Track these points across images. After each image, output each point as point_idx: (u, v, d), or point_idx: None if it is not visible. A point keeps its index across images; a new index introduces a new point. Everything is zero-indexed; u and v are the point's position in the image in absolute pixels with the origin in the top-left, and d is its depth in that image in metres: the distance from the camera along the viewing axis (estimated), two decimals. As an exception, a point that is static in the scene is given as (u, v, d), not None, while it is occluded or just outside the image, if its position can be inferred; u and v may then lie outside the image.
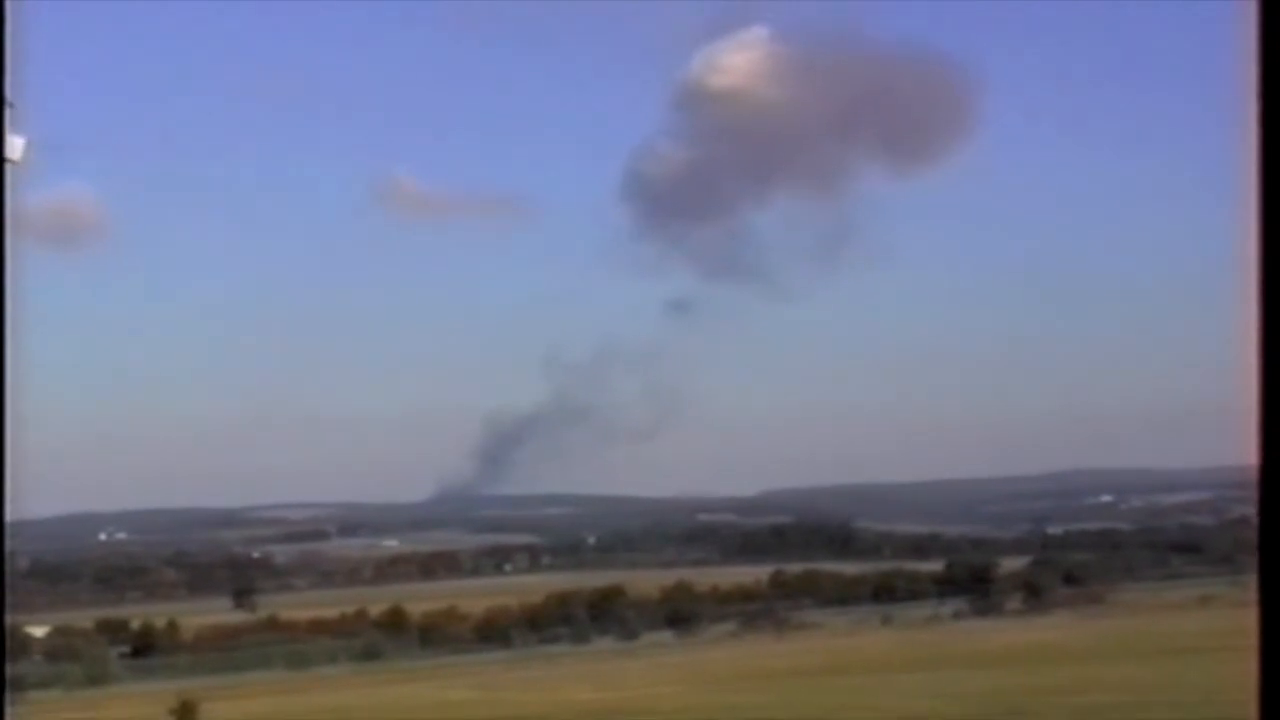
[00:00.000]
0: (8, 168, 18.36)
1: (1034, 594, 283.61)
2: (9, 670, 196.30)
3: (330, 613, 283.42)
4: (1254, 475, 10.61)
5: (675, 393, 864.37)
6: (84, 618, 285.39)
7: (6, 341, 16.45)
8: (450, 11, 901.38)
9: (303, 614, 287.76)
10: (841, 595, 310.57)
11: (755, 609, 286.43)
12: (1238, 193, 10.48)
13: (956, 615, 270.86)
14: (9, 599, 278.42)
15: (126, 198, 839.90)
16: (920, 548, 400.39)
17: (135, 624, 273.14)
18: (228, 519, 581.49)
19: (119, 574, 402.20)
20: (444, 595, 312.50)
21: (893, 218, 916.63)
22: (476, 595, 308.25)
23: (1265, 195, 10.29)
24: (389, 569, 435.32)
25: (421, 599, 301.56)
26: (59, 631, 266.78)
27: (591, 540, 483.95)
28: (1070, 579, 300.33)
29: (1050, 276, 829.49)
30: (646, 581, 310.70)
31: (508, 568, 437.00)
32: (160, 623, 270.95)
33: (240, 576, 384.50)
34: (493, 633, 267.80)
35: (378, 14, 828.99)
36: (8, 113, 18.15)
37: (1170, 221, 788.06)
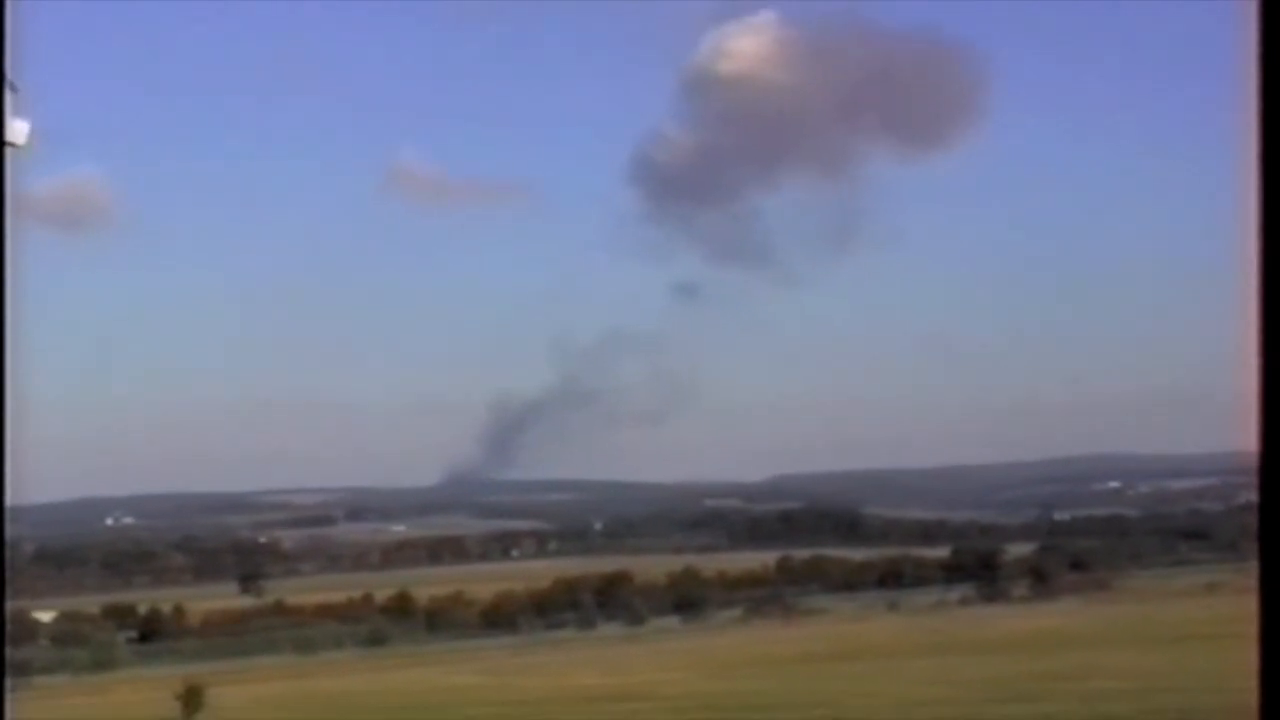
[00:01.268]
0: (12, 152, 18.33)
1: (1041, 580, 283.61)
2: (15, 655, 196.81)
3: (337, 597, 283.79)
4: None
5: (682, 377, 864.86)
6: (91, 603, 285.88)
7: (7, 326, 16.40)
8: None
9: (309, 599, 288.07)
10: (849, 581, 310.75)
11: (762, 595, 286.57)
12: (1242, 178, 10.43)
13: (963, 601, 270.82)
14: (16, 584, 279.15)
15: (134, 183, 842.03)
16: (927, 534, 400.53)
17: (142, 609, 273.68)
18: (235, 504, 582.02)
19: (126, 559, 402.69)
20: (450, 580, 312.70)
21: (900, 203, 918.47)
22: (483, 581, 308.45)
23: (1265, 189, 10.24)
24: (396, 554, 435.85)
25: (428, 584, 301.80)
26: (66, 616, 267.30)
27: (598, 526, 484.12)
28: (1077, 565, 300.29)
29: (1057, 262, 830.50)
30: (653, 567, 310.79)
31: (514, 553, 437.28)
32: (167, 608, 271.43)
33: (247, 561, 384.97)
34: (499, 618, 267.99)
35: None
36: (9, 97, 18.12)
37: (1176, 206, 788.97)
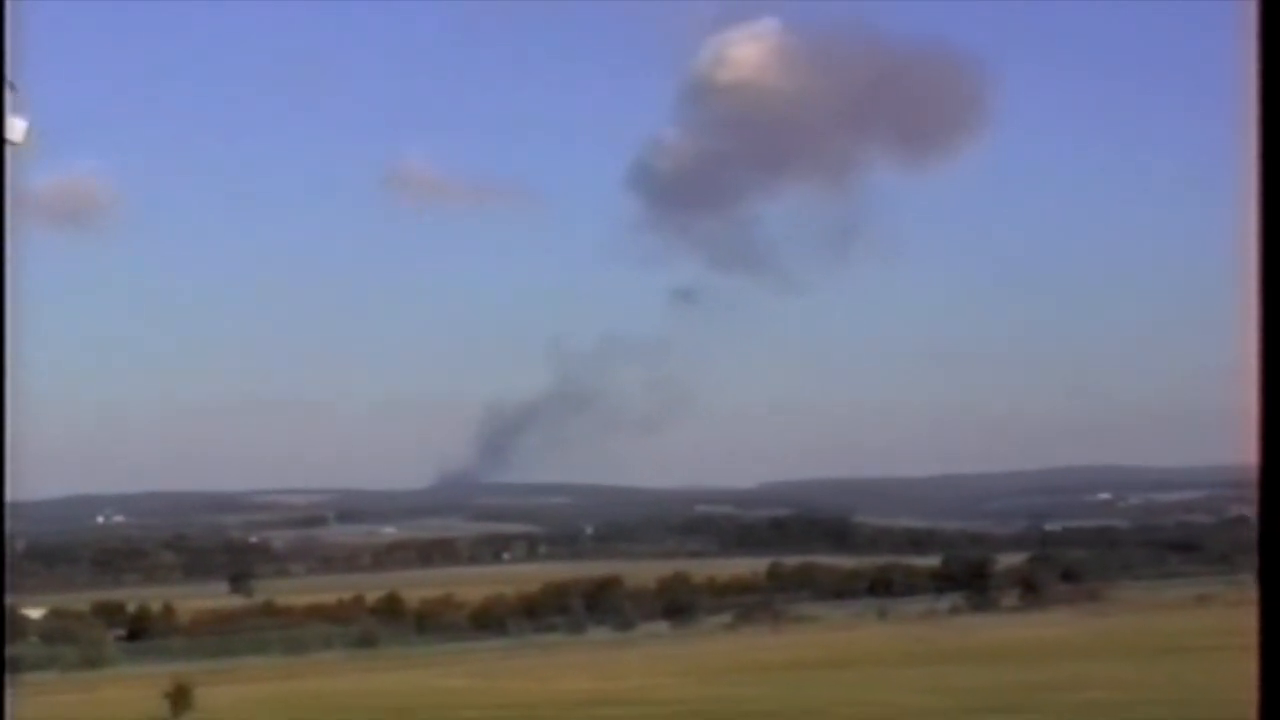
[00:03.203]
0: (11, 149, 18.35)
1: (1031, 590, 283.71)
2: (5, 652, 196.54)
3: (327, 599, 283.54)
4: (1252, 474, 10.56)
5: (678, 383, 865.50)
6: (81, 600, 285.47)
7: (7, 322, 16.42)
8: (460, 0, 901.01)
9: (300, 599, 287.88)
10: (839, 589, 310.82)
11: (752, 601, 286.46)
12: (1244, 191, 10.44)
13: (953, 610, 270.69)
14: (7, 580, 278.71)
15: (134, 180, 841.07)
16: (918, 542, 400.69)
17: (132, 607, 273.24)
18: (226, 503, 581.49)
19: (116, 557, 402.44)
20: (441, 583, 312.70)
21: (901, 211, 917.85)
22: (474, 583, 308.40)
23: (1265, 195, 10.26)
24: (387, 556, 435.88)
25: (419, 586, 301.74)
26: (56, 613, 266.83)
27: (589, 530, 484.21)
28: (1068, 576, 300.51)
29: (1054, 274, 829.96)
30: (644, 572, 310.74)
31: (505, 556, 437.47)
32: (157, 606, 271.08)
33: (238, 561, 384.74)
34: (489, 621, 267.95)
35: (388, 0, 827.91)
36: (9, 95, 18.15)
37: (1179, 220, 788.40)
